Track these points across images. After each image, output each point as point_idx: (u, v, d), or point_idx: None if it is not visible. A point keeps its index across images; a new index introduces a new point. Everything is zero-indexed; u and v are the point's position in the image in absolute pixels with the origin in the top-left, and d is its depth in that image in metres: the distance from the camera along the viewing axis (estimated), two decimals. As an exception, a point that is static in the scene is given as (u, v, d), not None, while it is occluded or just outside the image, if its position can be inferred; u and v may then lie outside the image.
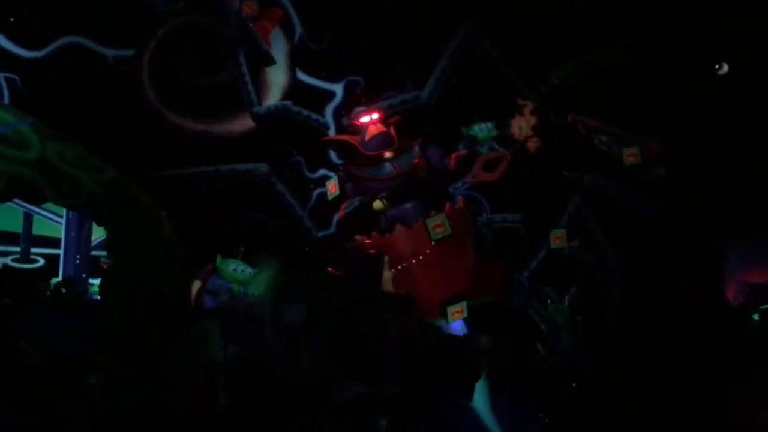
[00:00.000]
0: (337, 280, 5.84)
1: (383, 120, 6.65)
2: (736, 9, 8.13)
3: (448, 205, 6.35)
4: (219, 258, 5.75)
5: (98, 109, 6.91)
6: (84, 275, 8.26)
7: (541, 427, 6.46)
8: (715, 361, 6.82)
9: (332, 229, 7.55)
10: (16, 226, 8.55)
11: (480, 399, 5.83)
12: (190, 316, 5.29)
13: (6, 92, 7.14)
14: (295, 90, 7.69)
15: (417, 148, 6.57)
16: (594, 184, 7.77)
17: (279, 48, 7.59)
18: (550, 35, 7.95)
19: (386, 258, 6.17)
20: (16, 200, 6.69)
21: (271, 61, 7.39)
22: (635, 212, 7.75)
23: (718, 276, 7.92)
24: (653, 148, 7.45)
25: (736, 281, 7.98)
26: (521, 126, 7.20)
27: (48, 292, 6.96)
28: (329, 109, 7.91)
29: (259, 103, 7.26)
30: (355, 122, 6.63)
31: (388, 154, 6.50)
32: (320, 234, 7.49)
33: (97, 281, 7.67)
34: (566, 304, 7.17)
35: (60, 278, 7.96)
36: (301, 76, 7.87)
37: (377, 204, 6.40)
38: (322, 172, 7.83)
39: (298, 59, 7.79)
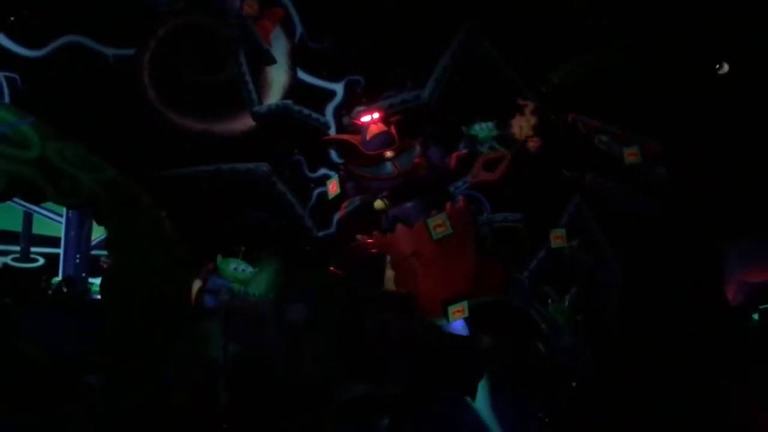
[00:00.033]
0: (340, 280, 5.84)
1: (384, 119, 6.65)
2: (736, 9, 8.13)
3: (448, 205, 6.35)
4: (220, 257, 5.75)
5: (99, 108, 6.91)
6: (84, 274, 8.26)
7: (541, 426, 6.45)
8: (715, 361, 6.83)
9: (332, 229, 7.56)
10: (16, 225, 8.56)
11: (480, 398, 5.82)
12: (190, 315, 5.29)
13: (6, 91, 7.13)
14: (295, 89, 7.69)
15: (418, 148, 6.56)
16: (594, 184, 7.77)
17: (279, 47, 7.59)
18: (550, 35, 7.94)
19: (388, 257, 6.17)
20: (15, 199, 6.68)
21: (272, 61, 7.39)
22: (635, 212, 7.75)
23: (718, 276, 7.92)
24: (653, 148, 7.45)
25: (735, 281, 7.99)
26: (522, 126, 7.20)
27: (50, 292, 6.95)
28: (330, 109, 7.91)
29: (260, 103, 7.25)
30: (356, 121, 6.63)
31: (388, 154, 6.49)
32: (321, 233, 7.49)
33: (97, 280, 7.67)
34: (567, 303, 7.17)
35: (60, 278, 7.95)
36: (302, 75, 7.87)
37: (378, 203, 6.40)
38: (322, 171, 7.84)
39: (298, 58, 7.79)
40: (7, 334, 4.66)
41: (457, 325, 6.33)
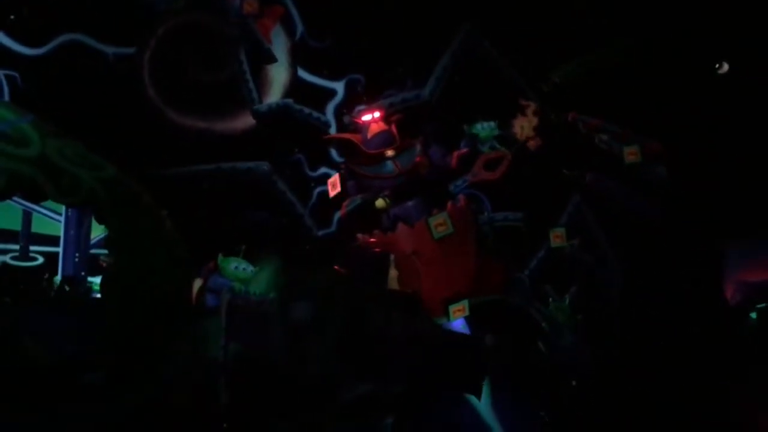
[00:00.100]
0: (344, 278, 5.84)
1: (385, 118, 6.65)
2: (736, 9, 8.13)
3: (449, 204, 6.36)
4: (220, 256, 5.74)
5: (99, 106, 6.90)
6: (83, 273, 8.25)
7: (542, 425, 6.46)
8: (715, 360, 6.83)
9: (333, 228, 7.56)
10: (15, 224, 8.54)
11: (481, 397, 5.82)
12: (191, 315, 5.28)
13: (6, 89, 7.13)
14: (296, 88, 7.68)
15: (419, 147, 6.57)
16: (595, 184, 7.76)
17: (280, 46, 7.58)
18: (550, 35, 7.94)
19: (392, 256, 6.17)
20: (15, 198, 6.66)
21: (272, 59, 7.37)
22: (635, 212, 7.75)
23: (718, 276, 7.92)
24: (654, 148, 7.45)
25: (733, 280, 7.99)
26: (523, 126, 7.21)
27: (52, 292, 6.93)
28: (330, 108, 7.91)
29: (260, 101, 7.23)
30: (357, 120, 6.63)
31: (389, 153, 6.50)
32: (321, 232, 7.49)
33: (96, 279, 7.66)
34: (567, 302, 7.17)
35: (60, 277, 7.94)
36: (302, 74, 7.86)
37: (379, 202, 6.41)
38: (323, 170, 7.84)
39: (299, 57, 7.78)
40: (7, 333, 4.65)
41: (458, 324, 6.34)
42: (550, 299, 7.15)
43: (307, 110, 7.27)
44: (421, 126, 6.91)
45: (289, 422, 4.92)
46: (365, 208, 6.47)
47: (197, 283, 5.69)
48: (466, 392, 5.57)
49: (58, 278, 7.84)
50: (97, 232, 8.16)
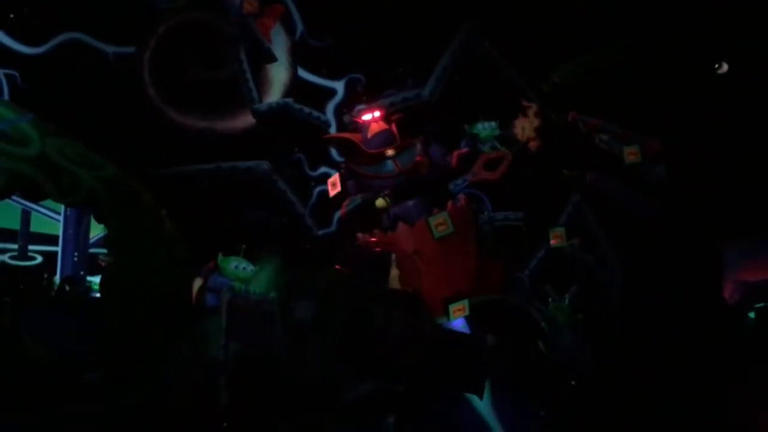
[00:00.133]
0: (345, 278, 5.83)
1: (385, 118, 6.64)
2: (736, 9, 8.13)
3: (450, 203, 6.36)
4: (220, 255, 5.73)
5: (99, 105, 6.90)
6: (82, 273, 8.23)
7: (541, 425, 6.45)
8: (715, 360, 6.83)
9: (333, 227, 7.55)
10: (14, 223, 8.52)
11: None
12: (191, 314, 5.27)
13: (6, 88, 7.12)
14: (296, 87, 7.67)
15: (419, 146, 6.57)
16: (595, 184, 7.77)
17: (280, 45, 7.57)
18: (550, 35, 7.94)
19: (393, 256, 6.16)
20: (13, 197, 6.64)
21: (272, 58, 7.36)
22: (635, 212, 7.75)
23: (718, 276, 7.92)
24: (654, 147, 7.46)
25: (732, 280, 8.00)
26: (524, 127, 7.22)
27: (53, 292, 6.92)
28: (330, 107, 7.92)
29: (260, 101, 7.23)
30: (357, 120, 6.62)
31: (390, 152, 6.49)
32: (321, 232, 7.48)
33: (95, 279, 7.65)
34: (567, 302, 7.17)
35: (59, 276, 7.93)
36: (302, 73, 7.85)
37: (380, 202, 6.40)
38: (323, 169, 7.84)
39: (299, 56, 7.77)
40: (7, 333, 4.64)
41: (458, 323, 6.33)
42: (550, 299, 7.15)
43: (307, 109, 7.27)
44: (422, 125, 6.91)
45: (289, 422, 4.92)
46: (365, 208, 6.47)
47: (197, 283, 5.68)
48: (468, 392, 5.57)
49: (57, 278, 7.83)
50: (96, 231, 8.15)
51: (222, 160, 7.14)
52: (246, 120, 7.32)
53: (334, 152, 7.76)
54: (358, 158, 6.59)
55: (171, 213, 5.22)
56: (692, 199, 7.76)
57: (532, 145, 7.26)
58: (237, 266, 5.70)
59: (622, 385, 6.69)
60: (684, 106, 8.04)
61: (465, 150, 6.92)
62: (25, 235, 8.50)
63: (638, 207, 7.74)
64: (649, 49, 8.10)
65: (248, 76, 7.14)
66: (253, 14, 7.23)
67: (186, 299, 5.26)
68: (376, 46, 7.85)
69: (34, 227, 8.61)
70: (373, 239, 6.30)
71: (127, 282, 4.85)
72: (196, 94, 7.23)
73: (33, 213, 8.53)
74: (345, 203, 6.56)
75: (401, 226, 6.27)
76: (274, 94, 7.57)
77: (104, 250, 7.08)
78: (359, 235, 6.41)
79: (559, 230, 7.47)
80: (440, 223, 6.14)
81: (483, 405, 5.98)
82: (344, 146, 6.85)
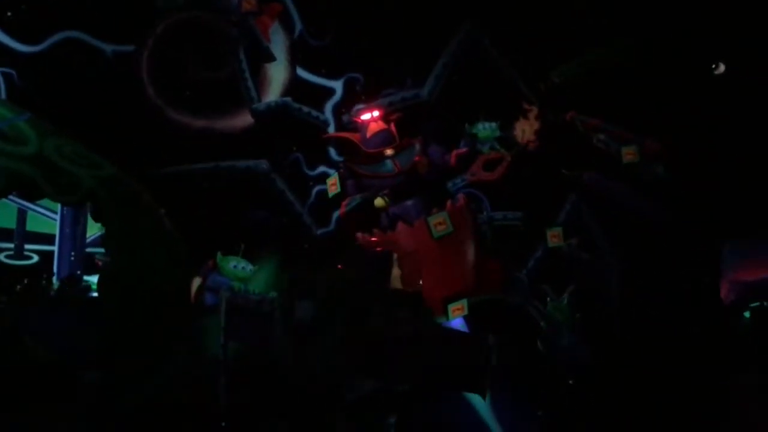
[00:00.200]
0: (347, 278, 5.82)
1: (384, 117, 6.64)
2: (736, 9, 8.13)
3: (449, 203, 6.35)
4: (219, 255, 5.71)
5: (97, 105, 6.87)
6: (79, 272, 8.18)
7: (540, 424, 6.46)
8: (714, 360, 6.84)
9: (332, 227, 7.54)
10: (10, 222, 8.46)
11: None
12: (190, 313, 5.26)
13: (3, 87, 7.07)
14: (294, 86, 7.65)
15: (418, 146, 6.58)
16: (594, 184, 7.77)
17: (278, 44, 7.55)
18: (550, 35, 7.94)
19: (395, 255, 6.16)
20: (10, 196, 6.61)
21: (271, 58, 7.35)
22: (635, 212, 7.75)
23: (717, 275, 7.93)
24: (653, 147, 7.46)
25: (728, 279, 8.00)
26: (524, 129, 7.22)
27: (52, 292, 6.89)
28: (329, 106, 7.89)
29: (259, 100, 7.21)
30: (356, 119, 6.62)
31: (389, 152, 6.50)
32: (320, 231, 7.47)
33: (92, 278, 7.60)
34: (565, 301, 7.17)
35: (56, 275, 7.88)
36: (301, 72, 7.83)
37: (379, 201, 6.40)
38: (321, 169, 7.82)
39: (297, 56, 7.75)
40: (7, 333, 4.62)
41: (457, 323, 6.33)
42: (548, 299, 7.15)
43: (305, 109, 7.26)
44: (421, 125, 6.90)
45: (289, 422, 4.91)
46: (364, 207, 6.46)
47: (196, 282, 5.66)
48: (471, 392, 5.56)
49: (54, 277, 7.78)
50: (93, 230, 8.11)
51: (221, 159, 7.12)
52: (244, 119, 7.29)
53: (332, 152, 7.74)
54: (357, 158, 6.60)
55: (170, 212, 5.21)
56: (692, 199, 7.77)
57: (531, 146, 7.26)
58: (236, 266, 5.68)
59: (622, 385, 6.69)
60: (683, 106, 8.03)
61: (464, 150, 6.91)
62: (22, 235, 8.43)
63: (637, 207, 7.74)
64: (648, 49, 8.10)
65: (247, 75, 7.13)
66: (251, 13, 7.22)
67: (185, 298, 5.25)
68: (374, 45, 7.83)
69: (30, 226, 8.55)
70: (373, 239, 6.30)
71: (127, 281, 4.85)
72: (194, 94, 7.21)
73: (29, 212, 8.47)
74: (344, 203, 6.55)
75: (400, 225, 6.27)
76: (273, 94, 7.54)
77: (101, 250, 7.03)
78: (359, 234, 6.40)
79: (556, 230, 7.47)
80: (439, 222, 6.14)
81: (482, 405, 5.98)
82: (343, 146, 6.85)
